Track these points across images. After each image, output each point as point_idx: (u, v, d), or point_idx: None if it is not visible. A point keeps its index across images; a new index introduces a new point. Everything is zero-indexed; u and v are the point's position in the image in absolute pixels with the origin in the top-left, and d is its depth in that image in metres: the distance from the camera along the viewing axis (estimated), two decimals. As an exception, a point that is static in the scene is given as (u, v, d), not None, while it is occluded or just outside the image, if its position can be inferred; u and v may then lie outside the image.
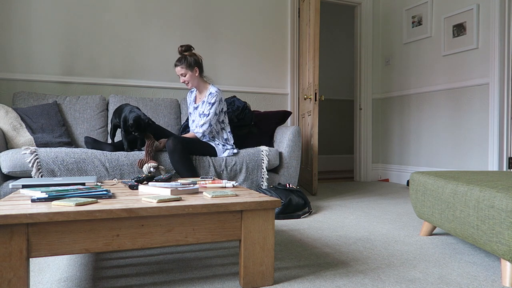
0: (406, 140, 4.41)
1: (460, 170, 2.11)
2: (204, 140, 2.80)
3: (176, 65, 2.74)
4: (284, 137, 3.04)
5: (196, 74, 2.77)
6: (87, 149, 2.51)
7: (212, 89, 2.76)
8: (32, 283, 1.39)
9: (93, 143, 2.58)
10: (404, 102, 4.42)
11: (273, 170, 3.01)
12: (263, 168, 2.83)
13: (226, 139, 2.87)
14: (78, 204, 1.19)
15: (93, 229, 1.16)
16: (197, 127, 2.73)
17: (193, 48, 2.80)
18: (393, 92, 4.56)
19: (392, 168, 4.61)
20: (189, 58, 2.72)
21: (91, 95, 3.17)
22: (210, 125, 2.73)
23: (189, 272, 1.49)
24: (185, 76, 2.74)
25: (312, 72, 3.54)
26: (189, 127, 3.15)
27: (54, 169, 2.33)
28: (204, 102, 2.79)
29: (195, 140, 2.66)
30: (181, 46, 2.75)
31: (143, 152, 2.53)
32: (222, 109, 2.80)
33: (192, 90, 2.96)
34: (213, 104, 2.72)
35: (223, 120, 2.84)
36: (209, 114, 2.71)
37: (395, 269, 1.54)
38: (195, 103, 2.90)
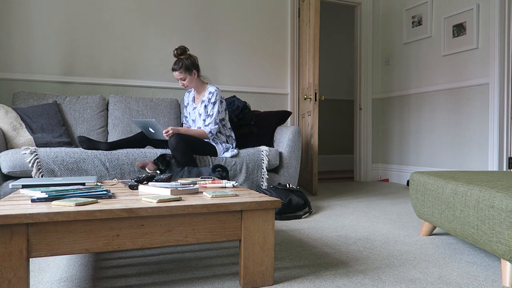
0: (406, 140, 4.40)
1: (460, 170, 2.11)
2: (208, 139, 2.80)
3: (174, 70, 2.67)
4: (284, 137, 3.03)
5: (195, 77, 2.73)
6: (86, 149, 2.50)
7: (211, 88, 2.76)
8: (32, 283, 1.39)
9: (88, 142, 2.50)
10: (404, 102, 4.42)
11: (273, 170, 3.01)
12: (263, 168, 2.83)
13: (227, 138, 2.86)
14: (78, 204, 1.19)
15: (93, 229, 1.16)
16: (204, 126, 2.73)
17: (188, 50, 2.74)
18: (393, 92, 4.56)
19: (392, 168, 4.61)
20: (186, 62, 2.66)
21: (91, 95, 3.17)
22: (216, 123, 2.72)
23: (189, 272, 1.49)
24: (184, 80, 2.70)
25: (312, 72, 3.54)
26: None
27: (54, 169, 2.33)
28: (203, 102, 2.78)
29: (198, 139, 2.65)
30: (176, 50, 2.68)
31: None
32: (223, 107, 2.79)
33: (190, 90, 2.95)
34: (215, 103, 2.72)
35: (223, 118, 2.84)
36: (213, 114, 2.71)
37: (395, 269, 1.54)
38: (194, 102, 2.88)
